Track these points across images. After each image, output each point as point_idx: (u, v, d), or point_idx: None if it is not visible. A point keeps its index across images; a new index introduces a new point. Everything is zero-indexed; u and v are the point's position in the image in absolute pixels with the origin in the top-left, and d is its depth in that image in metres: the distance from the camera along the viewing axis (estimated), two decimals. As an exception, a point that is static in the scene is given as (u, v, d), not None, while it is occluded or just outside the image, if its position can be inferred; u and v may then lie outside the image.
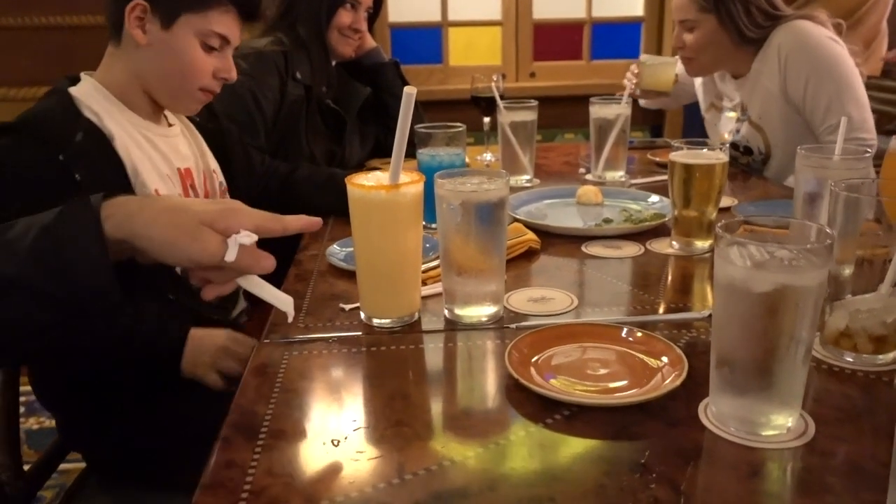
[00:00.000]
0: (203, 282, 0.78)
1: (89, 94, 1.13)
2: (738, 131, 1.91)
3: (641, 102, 2.21)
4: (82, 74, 1.17)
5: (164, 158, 1.19)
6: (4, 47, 2.89)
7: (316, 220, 0.82)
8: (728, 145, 1.91)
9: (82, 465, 1.25)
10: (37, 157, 1.03)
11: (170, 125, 1.27)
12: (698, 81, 2.07)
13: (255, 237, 0.75)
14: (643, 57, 1.98)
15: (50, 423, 2.34)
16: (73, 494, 1.19)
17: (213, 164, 1.33)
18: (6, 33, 2.88)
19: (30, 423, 2.31)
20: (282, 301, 0.81)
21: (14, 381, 1.20)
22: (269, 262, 0.77)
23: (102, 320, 0.77)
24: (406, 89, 0.85)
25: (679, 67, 2.08)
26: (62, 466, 1.27)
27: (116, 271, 0.72)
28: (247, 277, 0.79)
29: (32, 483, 1.18)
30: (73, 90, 1.12)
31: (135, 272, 0.86)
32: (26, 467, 1.18)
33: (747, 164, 1.92)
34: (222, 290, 0.79)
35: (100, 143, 1.09)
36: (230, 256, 0.73)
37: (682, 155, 1.18)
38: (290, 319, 0.83)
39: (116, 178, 1.09)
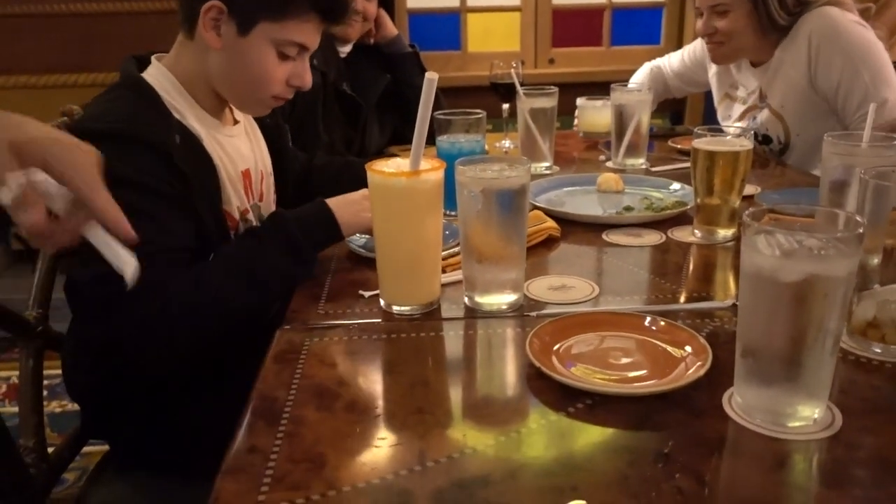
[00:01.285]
0: (33, 228, 0.66)
1: (163, 86, 1.10)
2: (754, 118, 1.88)
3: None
4: (153, 59, 1.15)
5: (231, 161, 1.17)
6: (25, 35, 2.91)
7: (124, 227, 0.70)
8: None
9: (104, 448, 1.27)
10: (149, 162, 1.00)
11: (235, 121, 1.24)
12: (712, 71, 2.03)
13: (48, 182, 0.65)
14: (579, 101, 1.95)
15: (73, 406, 2.37)
16: (94, 478, 1.21)
17: (269, 163, 1.32)
18: (27, 20, 2.89)
19: (52, 407, 2.35)
20: (123, 261, 0.70)
21: (39, 368, 1.22)
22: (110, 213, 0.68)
23: None
24: (427, 75, 0.85)
25: (670, 63, 2.07)
26: (84, 449, 1.29)
27: None
28: (91, 227, 0.69)
29: (56, 466, 1.20)
30: (151, 81, 1.09)
31: None
32: (50, 450, 1.19)
33: (764, 153, 1.90)
34: (57, 241, 0.69)
35: (194, 147, 1.08)
36: (4, 196, 0.63)
37: (706, 142, 1.16)
38: (128, 284, 0.70)
39: (212, 182, 1.10)
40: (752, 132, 1.86)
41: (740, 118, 1.94)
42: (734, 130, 1.18)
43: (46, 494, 1.15)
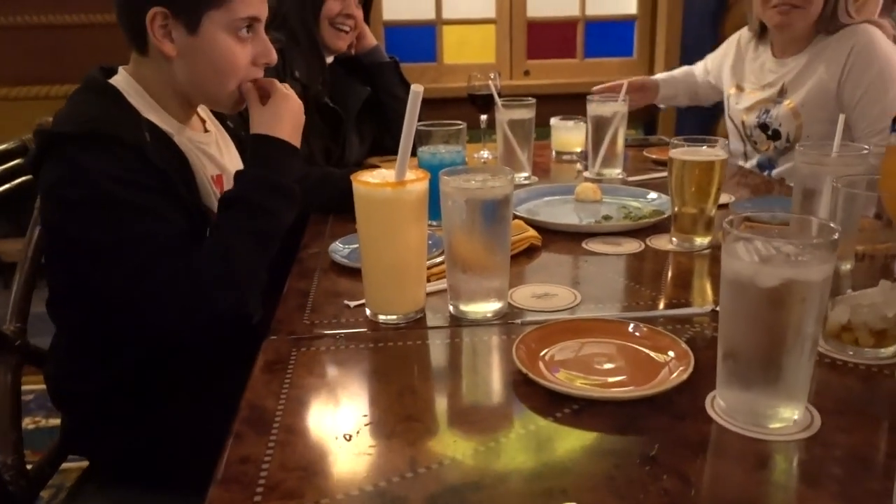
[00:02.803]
0: None
1: (128, 91, 1.10)
2: (767, 111, 1.92)
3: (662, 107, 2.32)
4: (120, 69, 1.14)
5: (202, 166, 1.16)
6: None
7: None
8: (755, 126, 1.93)
9: (83, 464, 1.25)
10: (130, 160, 1.00)
11: (206, 130, 1.23)
12: (728, 63, 2.08)
13: None
14: (552, 121, 1.99)
15: (46, 422, 2.34)
16: (74, 495, 1.19)
17: (237, 161, 1.29)
18: (-1, 32, 2.87)
19: (25, 423, 2.31)
20: None
21: (17, 383, 1.20)
22: None
23: None
24: (413, 87, 0.86)
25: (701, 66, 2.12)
26: (62, 466, 1.27)
27: None
28: None
29: (35, 482, 1.18)
30: (115, 83, 1.09)
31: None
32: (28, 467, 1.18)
33: (766, 150, 1.94)
34: None
35: (167, 144, 1.08)
36: None
37: (682, 152, 1.19)
38: None
39: (186, 178, 1.09)
40: (760, 125, 1.91)
41: (751, 109, 1.97)
42: (717, 140, 1.21)
43: (26, 511, 1.14)
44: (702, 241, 1.20)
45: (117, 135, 1.01)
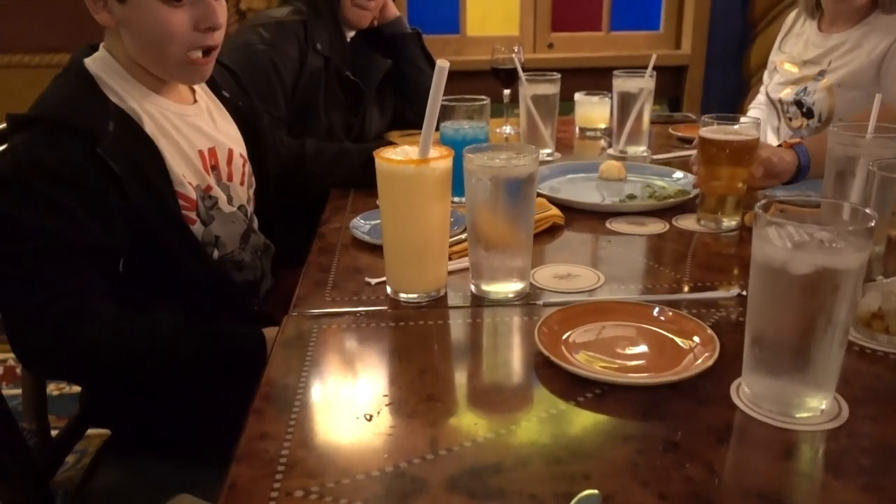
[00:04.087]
0: None
1: (105, 69, 1.08)
2: (805, 89, 1.87)
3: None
4: (101, 45, 1.11)
5: (187, 140, 1.13)
6: (17, 13, 2.87)
7: None
8: (792, 102, 1.89)
9: (105, 431, 1.27)
10: (74, 152, 0.97)
11: (195, 101, 1.20)
12: (777, 43, 2.03)
13: None
14: (577, 96, 1.95)
15: (70, 388, 2.37)
16: (96, 462, 1.21)
17: (240, 144, 1.27)
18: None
19: (50, 389, 2.34)
20: None
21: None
22: None
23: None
24: (439, 63, 0.85)
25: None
26: (88, 432, 1.29)
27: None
28: None
29: (59, 449, 1.20)
30: (91, 66, 1.07)
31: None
32: (53, 433, 1.20)
33: (799, 127, 1.89)
34: None
35: (132, 130, 1.05)
36: None
37: (713, 131, 1.16)
38: None
39: (153, 166, 1.05)
40: (795, 102, 1.87)
41: (790, 84, 1.93)
42: (745, 119, 1.18)
43: (50, 477, 1.16)
44: (729, 222, 1.18)
45: (72, 122, 0.99)
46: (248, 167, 1.28)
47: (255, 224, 1.29)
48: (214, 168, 1.18)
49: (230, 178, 1.22)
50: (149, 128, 1.07)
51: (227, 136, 1.23)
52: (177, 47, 1.06)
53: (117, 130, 1.02)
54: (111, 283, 1.01)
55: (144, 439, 1.17)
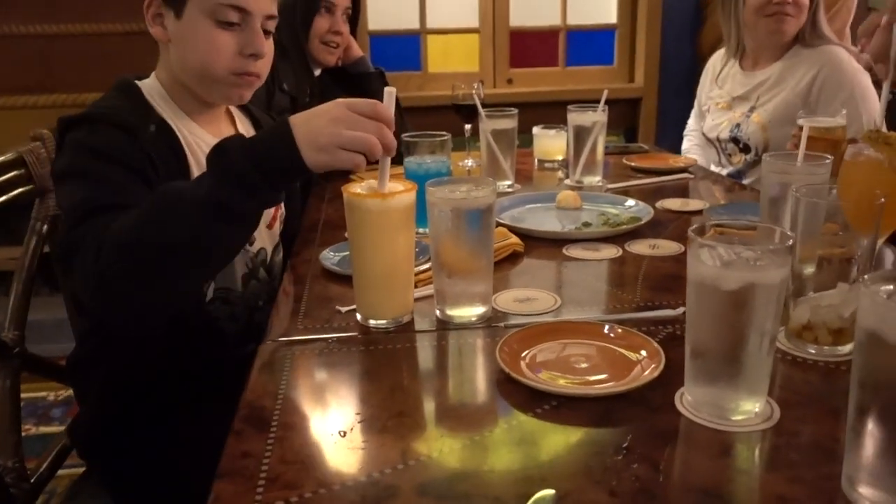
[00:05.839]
0: None
1: (150, 90, 1.17)
2: (738, 126, 1.99)
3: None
4: (153, 74, 1.21)
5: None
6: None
7: None
8: (728, 139, 2.01)
9: (79, 470, 1.29)
10: (118, 138, 1.05)
11: (235, 131, 1.26)
12: (704, 87, 2.16)
13: None
14: (535, 130, 2.05)
15: (37, 430, 2.36)
16: (72, 496, 1.23)
17: None
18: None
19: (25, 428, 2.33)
20: None
21: (16, 388, 1.24)
22: None
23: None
24: (386, 89, 0.92)
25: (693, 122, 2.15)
26: (59, 472, 1.31)
27: None
28: None
29: (36, 486, 1.21)
30: (140, 83, 1.17)
31: None
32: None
33: (739, 162, 2.01)
34: None
35: (169, 139, 1.13)
36: None
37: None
38: None
39: (180, 176, 1.11)
40: (732, 139, 1.99)
41: (723, 123, 2.05)
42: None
43: (27, 514, 1.17)
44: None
45: (116, 119, 1.07)
46: (280, 212, 1.35)
47: (270, 274, 1.34)
48: None
49: None
50: (184, 143, 1.14)
51: None
52: (220, 68, 1.14)
53: (157, 133, 1.10)
54: None
55: (119, 473, 1.19)
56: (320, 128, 0.90)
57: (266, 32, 1.19)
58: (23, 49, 2.92)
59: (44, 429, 2.39)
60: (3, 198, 1.26)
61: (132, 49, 2.86)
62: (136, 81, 1.18)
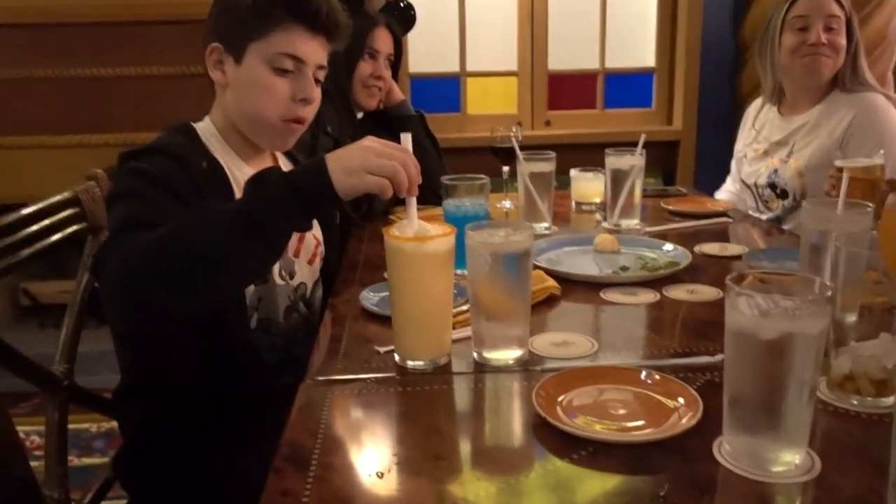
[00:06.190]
0: None
1: (205, 132, 1.25)
2: (775, 171, 1.99)
3: None
4: (206, 117, 1.29)
5: None
6: (42, 96, 3.04)
7: None
8: (766, 185, 2.00)
9: (122, 502, 1.31)
10: (172, 167, 1.12)
11: None
12: (743, 133, 2.17)
13: None
14: (572, 172, 2.06)
15: (79, 461, 2.41)
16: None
17: (315, 227, 1.39)
18: (44, 83, 3.02)
19: (70, 459, 2.38)
20: None
21: (64, 420, 1.27)
22: None
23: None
24: (403, 135, 0.97)
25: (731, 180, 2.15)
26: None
27: None
28: None
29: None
30: (196, 124, 1.25)
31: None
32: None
33: (776, 208, 2.00)
34: None
35: (220, 176, 1.19)
36: None
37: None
38: None
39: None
40: (769, 185, 1.98)
41: (761, 169, 2.05)
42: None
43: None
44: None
45: (171, 151, 1.14)
46: (320, 249, 1.41)
47: (309, 309, 1.39)
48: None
49: (297, 254, 1.34)
50: (232, 180, 1.20)
51: None
52: (273, 112, 1.22)
53: (209, 169, 1.17)
54: None
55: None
56: (350, 154, 0.97)
57: (316, 80, 1.26)
58: (81, 90, 3.05)
59: (86, 460, 2.44)
60: (58, 235, 1.31)
61: (182, 91, 2.99)
62: (192, 123, 1.26)
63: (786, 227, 1.98)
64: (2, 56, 2.98)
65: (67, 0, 2.95)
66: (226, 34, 1.22)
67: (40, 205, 1.27)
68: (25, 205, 1.24)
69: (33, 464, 1.12)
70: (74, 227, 1.36)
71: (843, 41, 1.92)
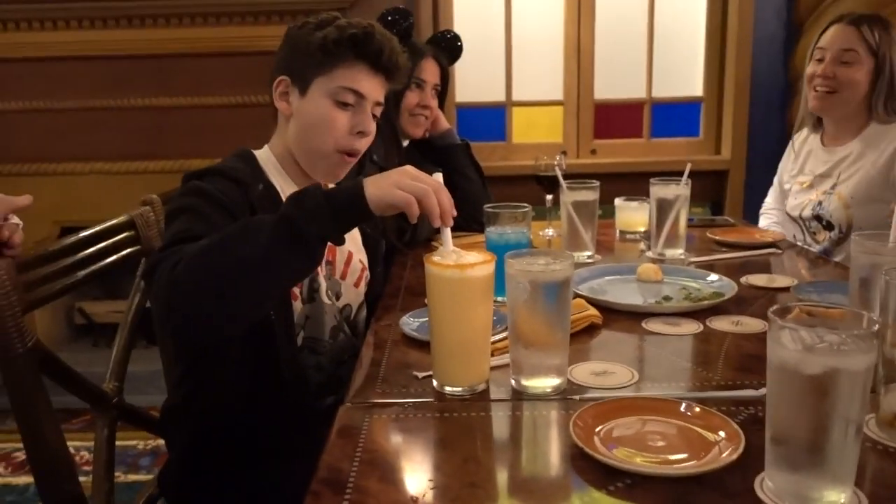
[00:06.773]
0: None
1: (263, 158, 1.32)
2: (820, 203, 1.95)
3: None
4: (266, 146, 1.36)
5: None
6: (102, 125, 3.16)
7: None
8: (811, 217, 1.96)
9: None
10: (229, 187, 1.18)
11: None
12: (788, 163, 2.14)
13: None
14: (617, 201, 2.06)
15: (125, 477, 2.46)
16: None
17: (361, 251, 1.46)
18: (104, 113, 3.15)
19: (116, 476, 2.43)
20: None
21: (112, 437, 1.31)
22: None
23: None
24: (434, 174, 1.01)
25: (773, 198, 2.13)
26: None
27: None
28: None
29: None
30: (255, 151, 1.32)
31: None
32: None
33: (823, 240, 1.96)
34: None
35: (274, 200, 1.24)
36: None
37: None
38: None
39: None
40: (815, 217, 1.95)
41: (806, 201, 2.02)
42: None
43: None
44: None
45: (230, 173, 1.20)
46: (366, 274, 1.46)
47: (354, 331, 1.43)
48: (329, 263, 1.36)
49: (343, 277, 1.39)
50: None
51: (351, 238, 1.40)
52: (331, 143, 1.29)
53: (264, 192, 1.23)
54: None
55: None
56: (387, 174, 1.03)
57: (373, 116, 1.33)
58: (138, 119, 3.17)
59: (132, 476, 2.49)
60: (113, 258, 1.36)
61: (236, 120, 3.10)
62: (252, 151, 1.33)
63: (836, 258, 1.94)
64: (68, 87, 3.13)
65: (128, 34, 3.08)
66: (294, 68, 1.29)
67: (97, 228, 1.32)
68: (86, 228, 1.29)
69: (81, 479, 1.16)
70: (129, 250, 1.41)
71: (857, 76, 1.88)
